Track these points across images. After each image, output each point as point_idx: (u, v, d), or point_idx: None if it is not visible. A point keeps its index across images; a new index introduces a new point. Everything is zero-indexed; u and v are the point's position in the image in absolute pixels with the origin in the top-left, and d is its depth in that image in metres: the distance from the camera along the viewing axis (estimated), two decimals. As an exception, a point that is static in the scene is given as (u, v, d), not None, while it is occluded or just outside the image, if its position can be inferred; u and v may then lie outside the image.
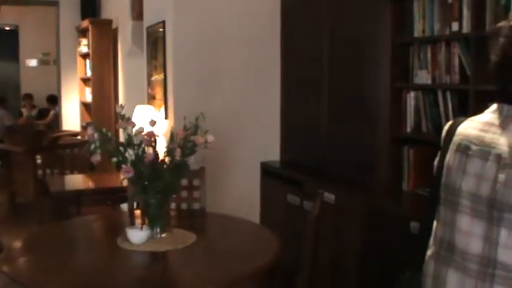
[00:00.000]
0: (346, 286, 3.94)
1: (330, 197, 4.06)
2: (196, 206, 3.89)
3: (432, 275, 1.91)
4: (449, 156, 1.89)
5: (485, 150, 1.79)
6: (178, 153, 3.03)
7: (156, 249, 2.98)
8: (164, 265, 3.00)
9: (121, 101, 7.22)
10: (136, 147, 3.05)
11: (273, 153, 5.09)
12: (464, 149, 1.84)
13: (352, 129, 4.25)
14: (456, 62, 3.50)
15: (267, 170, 5.03)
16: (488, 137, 1.81)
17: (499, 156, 1.74)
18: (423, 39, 3.72)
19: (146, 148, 3.09)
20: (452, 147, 1.89)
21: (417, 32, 3.74)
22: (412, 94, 3.84)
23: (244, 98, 4.89)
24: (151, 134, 3.11)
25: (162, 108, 4.96)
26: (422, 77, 3.75)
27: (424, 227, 2.01)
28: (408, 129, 3.89)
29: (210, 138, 3.15)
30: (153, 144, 3.14)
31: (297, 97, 4.89)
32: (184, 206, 3.91)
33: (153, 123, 3.25)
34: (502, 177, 1.72)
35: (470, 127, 1.88)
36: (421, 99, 3.78)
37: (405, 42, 3.85)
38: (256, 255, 3.01)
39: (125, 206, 4.89)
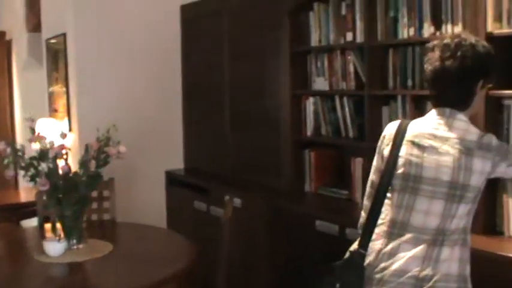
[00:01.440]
0: (258, 284, 4.10)
1: (236, 201, 4.21)
2: (106, 216, 3.93)
3: (380, 251, 2.19)
4: (406, 150, 2.20)
5: (439, 143, 2.16)
6: (93, 164, 3.09)
7: (74, 260, 3.03)
8: (85, 274, 3.05)
9: (17, 114, 7.07)
10: (50, 160, 3.08)
11: (177, 162, 5.20)
12: (420, 143, 2.18)
13: (255, 136, 4.44)
14: (351, 69, 3.78)
15: (172, 178, 5.14)
16: (440, 133, 2.17)
17: (454, 147, 2.12)
18: (320, 48, 3.98)
19: (58, 161, 3.13)
20: (406, 143, 2.21)
21: (314, 42, 4.00)
22: (311, 100, 4.09)
23: (147, 108, 4.97)
24: (62, 147, 3.16)
25: (65, 121, 4.94)
26: (320, 83, 4.01)
27: (371, 211, 2.28)
28: (308, 133, 4.14)
29: (122, 148, 3.24)
30: (65, 156, 3.19)
31: (199, 106, 5.03)
32: (94, 217, 3.93)
33: (63, 136, 3.30)
34: (462, 163, 2.10)
35: (422, 125, 2.23)
36: (320, 104, 4.03)
37: (303, 51, 4.09)
38: (173, 260, 3.13)
39: (26, 222, 4.86)
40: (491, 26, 2.94)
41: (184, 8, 5.08)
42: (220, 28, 4.64)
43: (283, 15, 4.05)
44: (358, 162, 3.84)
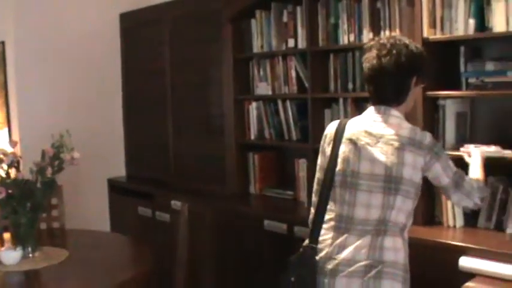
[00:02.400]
0: (209, 285, 4.21)
1: (181, 205, 4.28)
2: (55, 224, 3.96)
3: (330, 243, 2.34)
4: (344, 148, 2.38)
5: (374, 140, 2.33)
6: (49, 171, 3.14)
7: (31, 268, 3.05)
8: (43, 282, 3.07)
9: None
10: (3, 168, 3.11)
11: (119, 169, 5.25)
12: (357, 140, 2.35)
13: (199, 141, 4.55)
14: (293, 74, 3.97)
15: (114, 185, 5.18)
16: (375, 130, 2.35)
17: (388, 143, 2.29)
18: (262, 55, 4.16)
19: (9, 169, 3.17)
20: (345, 141, 2.39)
21: (256, 48, 4.18)
22: (254, 104, 4.26)
23: (88, 116, 4.99)
24: (15, 155, 3.20)
25: (5, 130, 4.91)
26: (263, 88, 4.18)
27: (318, 207, 2.43)
28: (252, 137, 4.31)
29: (76, 155, 3.29)
30: (16, 164, 3.22)
31: (141, 114, 5.09)
32: (43, 225, 3.95)
33: (14, 143, 3.33)
34: (395, 158, 2.28)
35: (358, 124, 2.41)
36: (263, 108, 4.20)
37: (245, 57, 4.25)
38: (130, 264, 3.22)
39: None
40: (426, 32, 3.20)
41: (123, 17, 5.14)
42: (161, 36, 4.73)
43: (226, 22, 4.20)
44: (301, 163, 4.03)
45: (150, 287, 3.28)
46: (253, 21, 4.16)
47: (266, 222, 3.80)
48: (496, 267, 2.72)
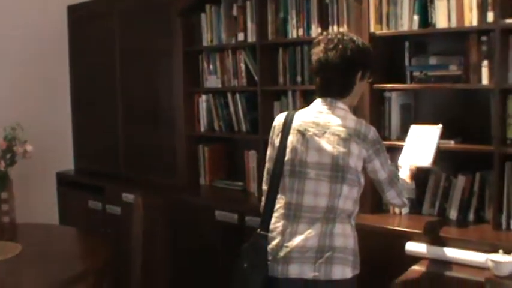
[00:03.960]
0: (161, 278, 4.25)
1: (132, 198, 4.30)
2: (5, 219, 3.93)
3: (281, 231, 2.43)
4: (292, 138, 2.46)
5: (321, 130, 2.41)
6: (2, 164, 3.13)
7: (-16, 262, 3.05)
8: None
9: None
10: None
11: (68, 163, 5.22)
12: (304, 131, 2.44)
13: (149, 134, 4.58)
14: (243, 67, 4.04)
15: (63, 179, 5.15)
16: (322, 121, 2.43)
17: (334, 134, 2.38)
18: (212, 48, 4.21)
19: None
20: (293, 131, 2.46)
21: (206, 42, 4.22)
22: (204, 97, 4.31)
23: (36, 111, 4.92)
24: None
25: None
26: (213, 81, 4.24)
27: (268, 196, 2.51)
28: (202, 129, 4.36)
29: (29, 148, 3.29)
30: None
31: (90, 107, 5.06)
32: (-8, 220, 3.92)
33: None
34: (341, 148, 2.37)
35: (306, 115, 2.49)
36: (213, 101, 4.26)
37: (195, 51, 4.30)
38: (86, 256, 3.26)
39: None
40: (373, 27, 3.32)
41: (71, 9, 5.09)
42: (111, 29, 4.72)
43: (175, 16, 4.23)
44: (251, 155, 4.12)
45: (105, 279, 3.31)
46: (203, 15, 4.21)
47: (217, 212, 3.87)
48: (439, 251, 2.86)
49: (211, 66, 4.25)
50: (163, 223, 4.22)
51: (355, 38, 2.51)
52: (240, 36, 4.01)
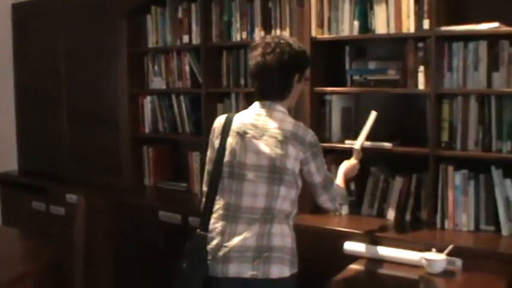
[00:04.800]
0: (107, 275, 4.20)
1: (76, 198, 4.24)
2: None
3: (220, 232, 2.43)
4: (231, 140, 2.46)
5: (259, 133, 2.43)
6: None
7: None
8: None
9: None
10: None
11: (12, 164, 5.10)
12: (243, 133, 2.45)
13: (94, 135, 4.51)
14: (187, 69, 4.03)
15: (6, 180, 5.03)
16: (260, 124, 2.45)
17: (272, 136, 2.40)
18: (157, 50, 4.18)
19: None
20: (232, 133, 2.47)
21: (151, 43, 4.19)
22: (148, 99, 4.28)
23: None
24: None
25: None
26: (157, 83, 4.22)
27: (208, 197, 2.52)
28: (147, 131, 4.32)
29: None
30: None
31: (34, 107, 4.94)
32: None
33: None
34: (278, 150, 2.38)
35: (245, 117, 2.50)
36: (157, 103, 4.23)
37: (140, 52, 4.27)
38: (26, 257, 3.19)
39: None
40: (314, 32, 3.36)
41: (16, 7, 4.97)
42: (56, 29, 4.64)
43: (121, 17, 4.18)
44: (195, 156, 4.11)
45: (48, 280, 3.26)
46: (148, 16, 4.18)
47: (161, 213, 3.85)
48: (376, 250, 2.91)
49: (156, 68, 4.22)
50: (107, 223, 4.16)
51: (291, 41, 2.53)
52: (185, 39, 4.00)
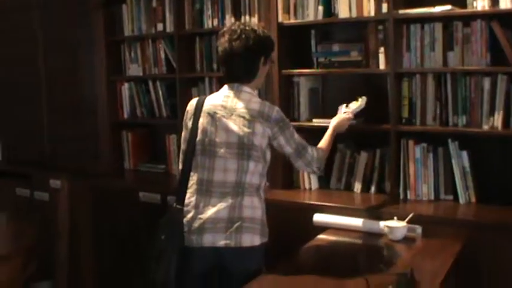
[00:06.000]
0: (90, 257, 4.29)
1: (59, 183, 4.30)
2: None
3: (195, 205, 2.57)
4: (203, 120, 2.60)
5: (228, 113, 2.56)
6: None
7: None
8: None
9: None
10: None
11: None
12: (214, 113, 2.58)
13: (74, 122, 4.55)
14: (162, 56, 4.12)
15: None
16: (229, 104, 2.58)
17: (240, 116, 2.54)
18: (133, 38, 4.27)
19: None
20: (203, 114, 2.61)
21: (127, 32, 4.27)
22: (126, 85, 4.37)
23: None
24: None
25: None
26: (134, 70, 4.30)
27: (183, 174, 2.65)
28: (125, 116, 4.41)
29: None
30: None
31: (14, 97, 4.97)
32: None
33: None
34: (246, 128, 2.54)
35: (215, 99, 2.64)
36: (135, 89, 4.33)
37: (117, 40, 4.35)
38: (11, 239, 3.28)
39: None
40: (281, 17, 3.48)
41: (-8, -1, 5.01)
42: (31, 21, 4.67)
43: (97, 6, 4.25)
44: (172, 139, 4.22)
45: (31, 262, 3.35)
46: (124, 6, 4.25)
47: (141, 194, 3.95)
48: (343, 220, 3.05)
49: (132, 55, 4.31)
50: (90, 207, 4.25)
51: (256, 27, 2.66)
52: (159, 27, 4.09)
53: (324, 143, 2.94)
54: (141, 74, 4.28)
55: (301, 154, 2.71)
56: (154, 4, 4.10)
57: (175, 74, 4.03)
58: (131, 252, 4.01)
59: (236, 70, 2.62)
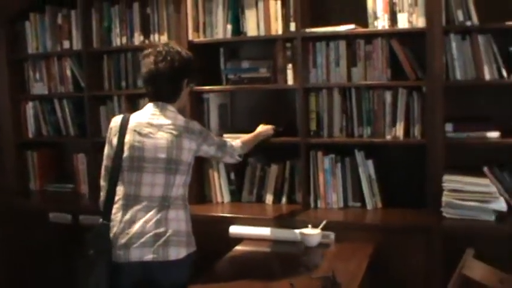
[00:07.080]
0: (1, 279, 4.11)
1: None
2: None
3: (120, 221, 2.53)
4: (130, 137, 2.58)
5: (155, 129, 2.58)
6: None
7: None
8: None
9: None
10: None
11: None
12: (140, 130, 2.58)
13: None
14: (69, 73, 4.03)
15: None
16: (155, 122, 2.60)
17: (167, 132, 2.57)
18: (37, 56, 4.13)
19: None
20: (129, 131, 2.59)
21: (31, 49, 4.13)
22: (30, 104, 4.22)
23: None
24: None
25: None
26: (39, 88, 4.17)
27: (108, 190, 2.59)
28: (30, 135, 4.26)
29: None
30: None
31: None
32: None
33: None
34: (174, 143, 2.57)
35: (140, 117, 2.63)
36: (40, 107, 4.19)
37: (20, 58, 4.20)
38: None
39: None
40: (191, 35, 3.51)
41: None
42: None
43: (-1, 25, 4.11)
44: (80, 158, 4.12)
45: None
46: (27, 23, 4.11)
47: (51, 215, 3.82)
48: (260, 230, 3.11)
49: (37, 74, 4.17)
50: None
51: (180, 49, 2.69)
52: (66, 44, 3.99)
53: (244, 137, 3.13)
54: (46, 92, 4.15)
55: (223, 150, 2.87)
56: (59, 21, 4.00)
57: (82, 93, 3.94)
58: (46, 272, 3.85)
59: (161, 90, 2.64)
